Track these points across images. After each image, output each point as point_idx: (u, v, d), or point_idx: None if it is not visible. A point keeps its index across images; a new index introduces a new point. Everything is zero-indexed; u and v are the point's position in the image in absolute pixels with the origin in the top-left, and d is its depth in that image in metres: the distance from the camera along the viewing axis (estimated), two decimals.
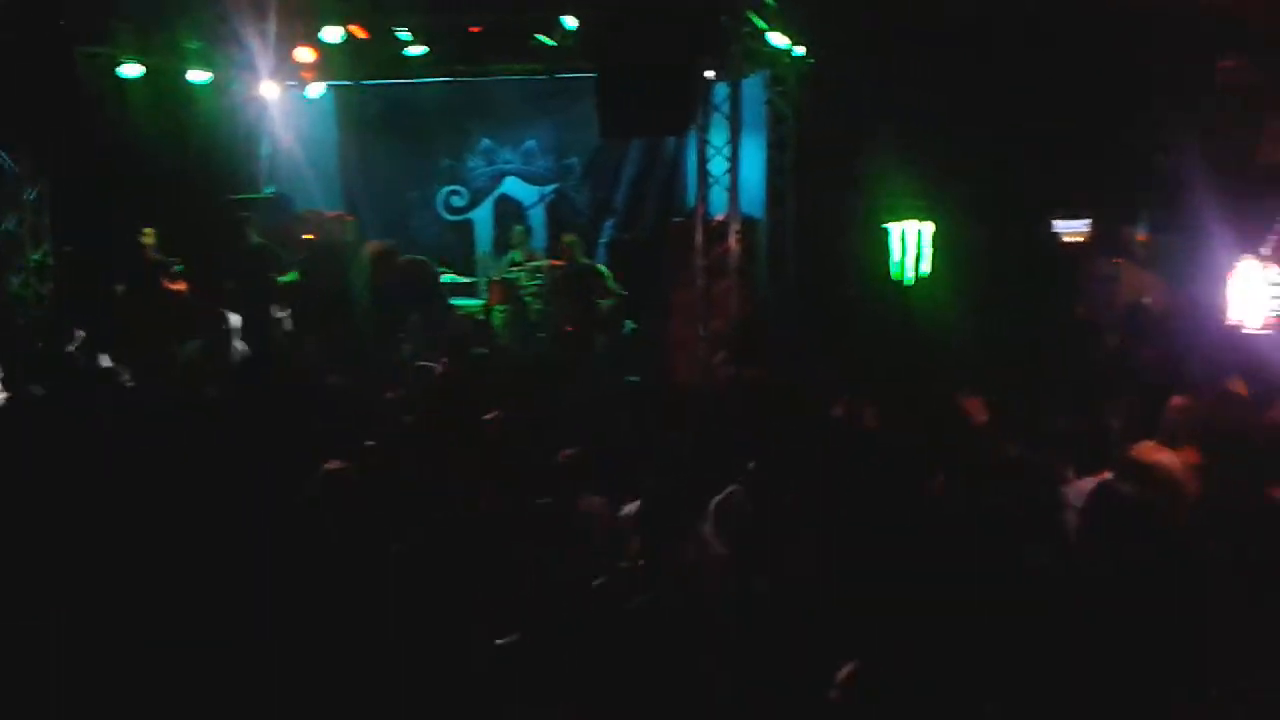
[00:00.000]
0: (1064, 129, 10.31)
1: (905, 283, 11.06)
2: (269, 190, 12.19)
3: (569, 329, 11.05)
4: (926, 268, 11.08)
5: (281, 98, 11.89)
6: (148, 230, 10.53)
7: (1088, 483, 4.81)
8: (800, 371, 8.10)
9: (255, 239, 10.86)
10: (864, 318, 10.66)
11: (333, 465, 4.28)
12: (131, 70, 10.38)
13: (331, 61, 11.28)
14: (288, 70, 11.31)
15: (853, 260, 11.50)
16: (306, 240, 11.71)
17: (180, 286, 10.21)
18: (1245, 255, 7.30)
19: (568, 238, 11.65)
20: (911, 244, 11.08)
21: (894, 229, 11.14)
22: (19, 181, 10.44)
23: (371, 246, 11.48)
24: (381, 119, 13.10)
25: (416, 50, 11.35)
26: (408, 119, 13.04)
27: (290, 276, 10.86)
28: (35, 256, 10.55)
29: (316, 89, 12.06)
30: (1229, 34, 8.16)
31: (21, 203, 10.48)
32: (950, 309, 10.43)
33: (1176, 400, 5.56)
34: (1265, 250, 7.15)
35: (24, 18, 9.02)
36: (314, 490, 4.28)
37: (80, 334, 8.36)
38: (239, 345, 9.26)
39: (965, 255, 11.04)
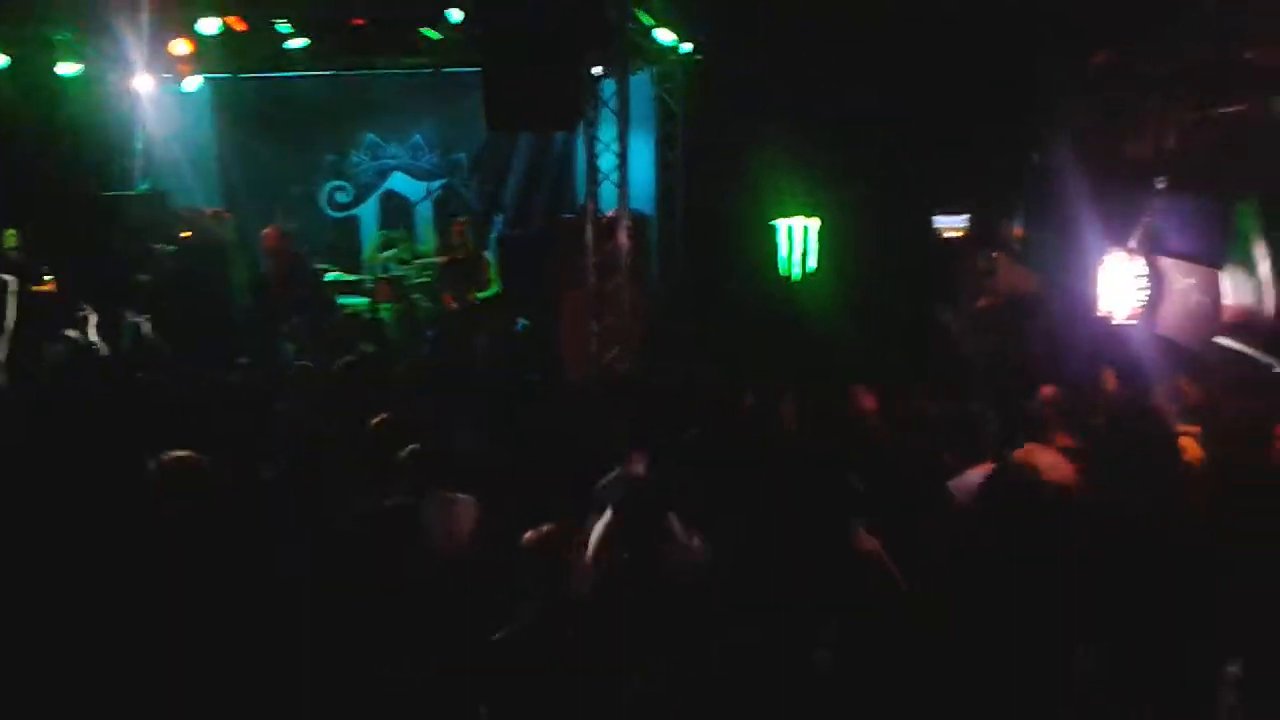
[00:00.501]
0: (945, 127, 10.58)
1: (793, 279, 11.25)
2: (143, 186, 11.76)
3: (454, 307, 10.93)
4: (813, 264, 11.28)
5: (156, 91, 11.49)
6: (10, 232, 10.06)
7: (973, 473, 4.98)
8: (693, 368, 8.16)
9: (119, 238, 10.49)
10: (753, 313, 10.78)
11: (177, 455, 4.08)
12: None
13: (208, 54, 10.96)
14: (162, 63, 10.94)
15: (742, 256, 11.63)
16: (183, 238, 11.34)
17: (48, 287, 9.79)
18: (1113, 248, 7.54)
19: (462, 219, 11.46)
20: (799, 240, 11.27)
21: (782, 226, 11.32)
22: None
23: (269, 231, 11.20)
24: (262, 113, 12.77)
25: (297, 43, 11.10)
26: (289, 113, 12.75)
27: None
28: None
29: (193, 82, 11.68)
30: (1098, 32, 8.44)
31: None
32: (835, 304, 10.65)
33: (1046, 390, 5.76)
34: (1132, 243, 7.40)
35: None
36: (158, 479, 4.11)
37: None
38: (101, 346, 8.91)
39: (850, 251, 11.28)
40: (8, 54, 10.01)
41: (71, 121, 10.95)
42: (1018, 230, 10.59)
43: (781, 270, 11.42)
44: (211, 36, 10.38)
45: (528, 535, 4.01)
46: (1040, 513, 3.98)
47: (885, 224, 11.25)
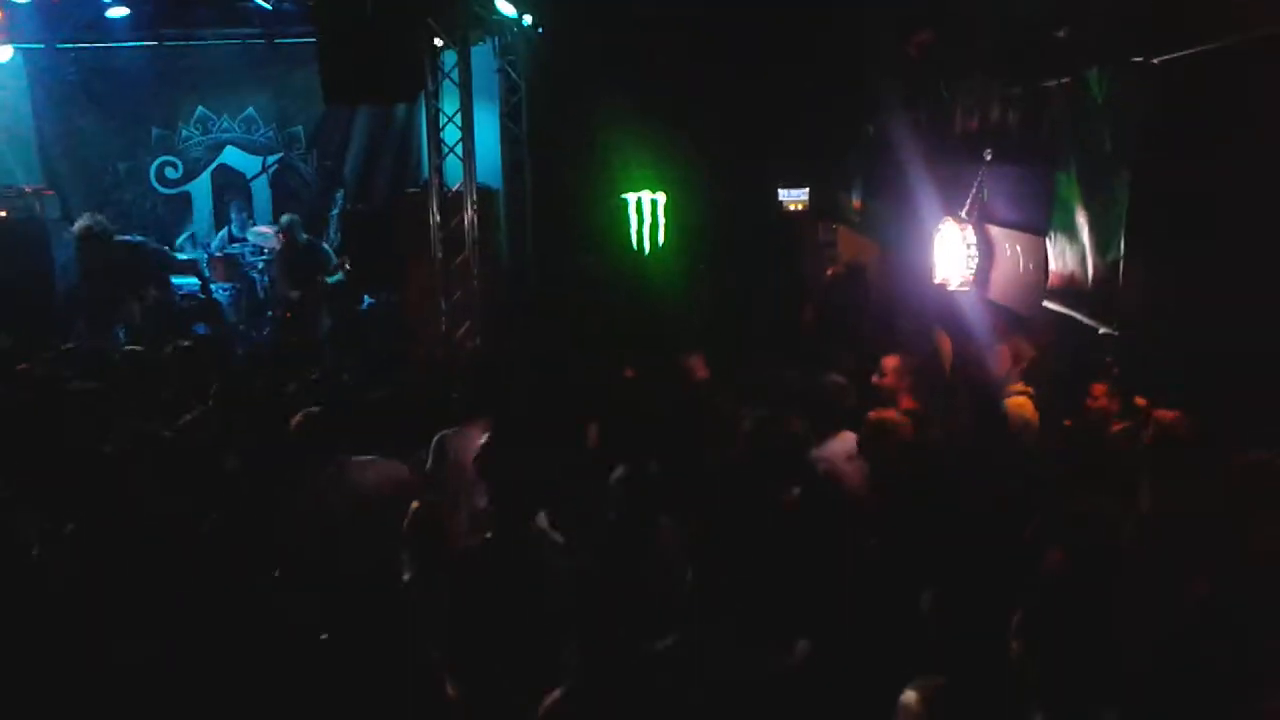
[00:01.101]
0: (786, 101, 10.77)
1: (642, 252, 11.33)
2: None
3: (289, 315, 10.60)
4: (662, 237, 11.38)
5: None
6: None
7: (835, 442, 5.16)
8: (541, 342, 8.14)
9: None
10: (601, 287, 10.80)
11: None
12: None
13: (20, 22, 10.33)
14: None
15: (592, 230, 11.64)
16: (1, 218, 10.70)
17: None
18: (946, 218, 7.81)
19: (284, 219, 11.09)
20: (648, 213, 11.34)
21: (631, 199, 11.37)
22: None
23: (80, 226, 10.55)
24: (83, 86, 12.12)
25: (118, 12, 10.57)
26: (113, 86, 12.13)
27: None
28: None
29: (4, 52, 10.99)
30: (922, 8, 8.72)
31: None
32: (683, 276, 10.77)
33: (889, 360, 5.97)
34: (963, 213, 7.67)
35: None
36: None
37: None
38: None
39: (697, 225, 11.42)
40: None
41: None
42: (856, 202, 10.87)
43: (632, 244, 11.49)
44: (23, 3, 9.79)
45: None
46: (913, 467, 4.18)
47: (730, 197, 11.42)
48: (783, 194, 11.95)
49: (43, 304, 10.32)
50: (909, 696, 2.73)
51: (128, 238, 11.12)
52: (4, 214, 10.73)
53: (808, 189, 11.94)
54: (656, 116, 11.04)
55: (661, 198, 11.50)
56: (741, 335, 8.23)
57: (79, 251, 10.40)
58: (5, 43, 10.78)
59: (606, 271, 11.18)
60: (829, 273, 10.41)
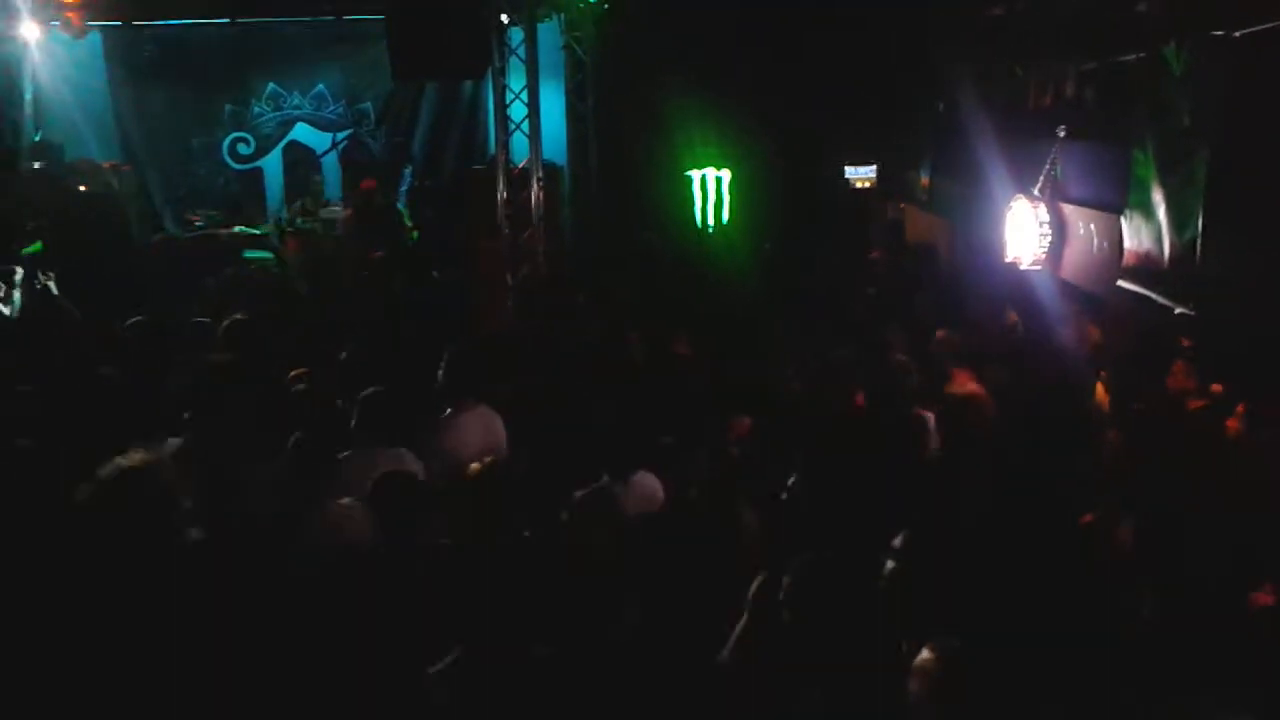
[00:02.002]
0: (854, 77, 10.66)
1: (706, 229, 11.30)
2: (36, 138, 11.30)
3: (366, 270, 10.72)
4: (726, 214, 11.34)
5: (45, 39, 11.01)
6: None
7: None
8: (608, 319, 8.16)
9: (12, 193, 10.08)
10: (668, 263, 10.80)
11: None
12: None
13: (99, 0, 10.54)
14: (50, 9, 10.49)
15: (656, 207, 11.63)
16: (79, 191, 10.95)
17: None
18: (1018, 196, 7.70)
19: (367, 182, 11.24)
20: (712, 191, 11.30)
21: (695, 176, 11.34)
22: None
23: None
24: (158, 63, 12.33)
25: None
26: (187, 63, 12.33)
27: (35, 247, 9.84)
28: None
29: (83, 30, 11.22)
30: None
31: None
32: (747, 254, 10.73)
33: (940, 334, 5.94)
34: (1036, 190, 7.56)
35: None
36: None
37: None
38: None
39: (761, 202, 11.35)
40: None
41: None
42: (924, 179, 10.76)
43: (696, 221, 11.46)
44: None
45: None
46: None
47: (796, 175, 11.35)
48: (849, 171, 11.85)
49: (120, 276, 10.56)
50: (926, 656, 2.69)
51: (200, 226, 11.40)
52: (83, 188, 10.98)
53: (875, 166, 11.82)
54: (722, 93, 10.99)
55: (726, 175, 11.45)
56: (803, 314, 8.18)
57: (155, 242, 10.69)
58: (84, 21, 11.00)
59: (669, 248, 11.17)
60: (874, 255, 10.35)
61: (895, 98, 10.77)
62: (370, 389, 4.86)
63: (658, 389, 5.85)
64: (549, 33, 11.06)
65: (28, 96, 11.49)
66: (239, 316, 6.18)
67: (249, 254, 11.57)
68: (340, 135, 12.96)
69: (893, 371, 5.82)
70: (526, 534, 4.00)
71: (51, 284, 8.68)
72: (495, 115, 10.06)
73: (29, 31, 10.73)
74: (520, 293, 9.87)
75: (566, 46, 11.71)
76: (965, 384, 5.06)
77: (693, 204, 11.59)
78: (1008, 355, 6.12)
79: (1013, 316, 7.08)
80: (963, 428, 4.74)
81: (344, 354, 6.25)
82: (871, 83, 10.65)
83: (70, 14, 10.61)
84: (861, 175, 11.82)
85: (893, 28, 10.12)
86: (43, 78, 11.47)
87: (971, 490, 4.20)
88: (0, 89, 11.29)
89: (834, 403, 5.47)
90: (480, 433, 5.27)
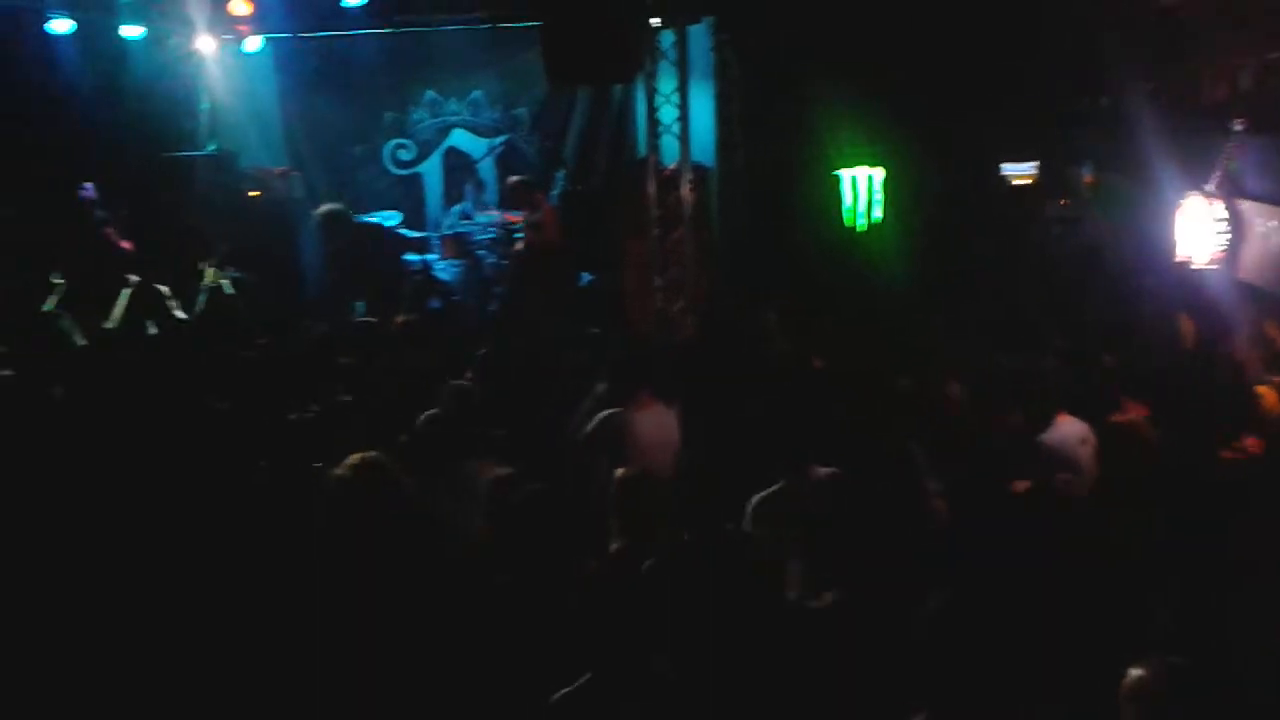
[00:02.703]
0: (1012, 71, 10.36)
1: (858, 229, 11.12)
2: (211, 147, 11.90)
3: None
4: (879, 214, 11.14)
5: (218, 52, 11.58)
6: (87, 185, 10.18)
7: (1066, 423, 4.98)
8: (757, 321, 8.14)
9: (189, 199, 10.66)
10: (817, 264, 10.69)
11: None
12: (61, 26, 10.08)
13: (267, 14, 11.03)
14: (223, 24, 11.03)
15: (805, 207, 11.51)
16: (252, 197, 11.49)
17: (128, 245, 9.93)
18: (1190, 192, 7.36)
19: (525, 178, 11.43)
20: (863, 190, 11.12)
21: (845, 175, 11.17)
22: None
23: (323, 211, 11.28)
24: (322, 72, 12.79)
25: (355, 1, 11.13)
26: (349, 72, 12.75)
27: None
28: None
29: (254, 42, 11.77)
30: None
31: None
32: (902, 254, 10.52)
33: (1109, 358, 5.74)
34: (1210, 186, 7.22)
35: None
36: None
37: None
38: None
39: (916, 200, 11.12)
40: (73, 18, 10.14)
41: (137, 84, 11.09)
42: (1088, 177, 10.39)
43: (846, 221, 11.29)
44: None
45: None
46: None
47: (952, 172, 11.06)
48: (1007, 168, 11.50)
49: (291, 279, 11.06)
50: (1140, 673, 2.61)
51: (365, 218, 11.79)
52: (257, 194, 11.52)
53: (1035, 163, 11.45)
54: (874, 90, 10.79)
55: (879, 173, 11.24)
56: (961, 316, 7.99)
57: (322, 232, 11.09)
58: (255, 34, 11.53)
59: (821, 249, 11.04)
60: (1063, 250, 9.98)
61: (1056, 90, 10.42)
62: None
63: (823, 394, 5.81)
64: (698, 35, 11.06)
65: (204, 107, 12.11)
66: (409, 316, 6.41)
67: (409, 257, 11.95)
68: (496, 140, 13.25)
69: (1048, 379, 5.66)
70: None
71: (227, 285, 9.09)
72: (645, 118, 10.13)
73: (205, 45, 11.30)
74: (702, 300, 9.92)
75: (716, 48, 11.69)
76: (1129, 410, 4.87)
77: (842, 203, 11.43)
78: (1180, 379, 5.85)
79: (1188, 323, 6.76)
80: (1122, 456, 4.57)
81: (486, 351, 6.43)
82: (1031, 75, 10.32)
83: (243, 28, 11.16)
84: (1021, 172, 11.45)
85: (1054, 17, 9.79)
86: (217, 89, 12.06)
87: (1127, 519, 4.06)
88: (179, 101, 11.89)
89: (995, 418, 5.33)
90: (655, 430, 5.34)
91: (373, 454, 3.58)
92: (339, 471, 3.49)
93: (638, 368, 5.76)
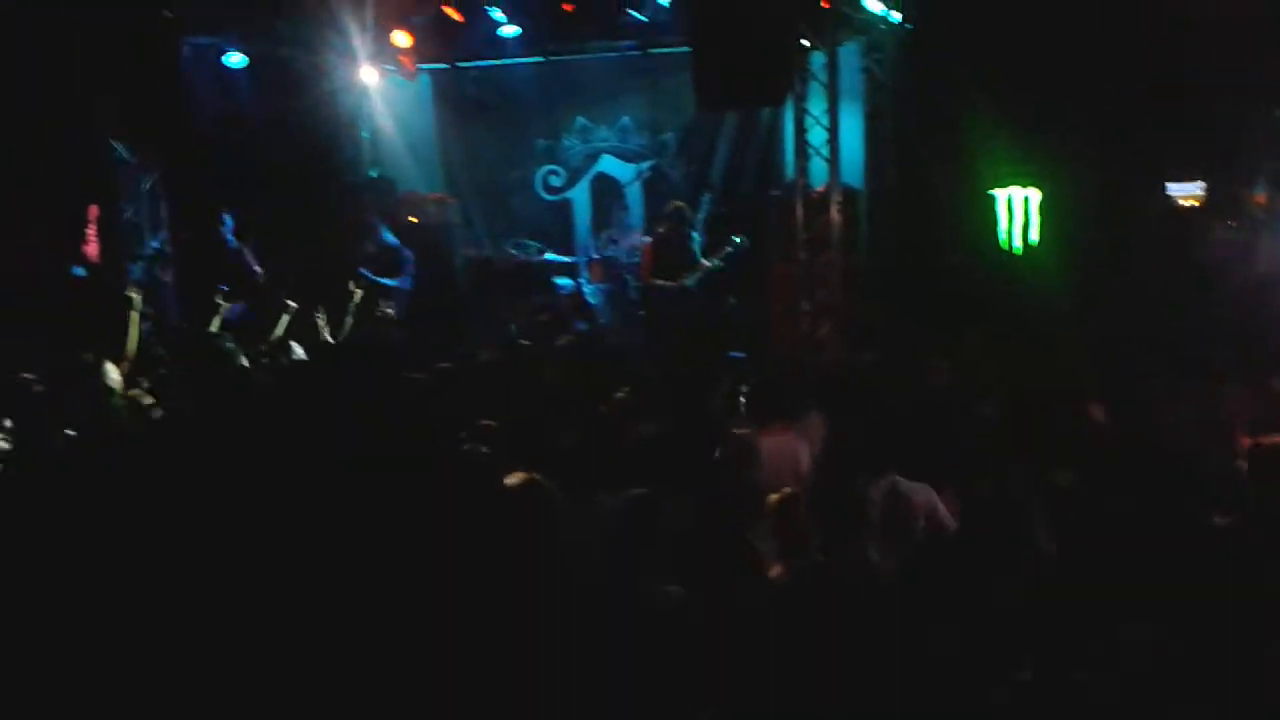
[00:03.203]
0: (1174, 87, 9.97)
1: (1014, 251, 10.83)
2: (373, 173, 12.38)
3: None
4: (1035, 235, 10.83)
5: (380, 82, 12.04)
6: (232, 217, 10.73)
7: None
8: (911, 349, 8.00)
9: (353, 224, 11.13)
10: (970, 287, 10.44)
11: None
12: (236, 59, 10.67)
13: (427, 45, 11.43)
14: (386, 54, 11.48)
15: (958, 229, 11.28)
16: (411, 223, 11.91)
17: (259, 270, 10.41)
18: None
19: (679, 203, 11.53)
20: (1019, 211, 10.83)
21: (1000, 196, 10.91)
22: (135, 171, 10.76)
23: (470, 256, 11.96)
24: (478, 100, 13.17)
25: (510, 31, 11.44)
26: (503, 100, 13.09)
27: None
28: (154, 244, 10.89)
29: (413, 73, 12.19)
30: None
31: (138, 192, 10.82)
32: (1061, 277, 10.20)
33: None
34: None
35: (130, 10, 9.27)
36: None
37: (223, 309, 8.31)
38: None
39: (1075, 222, 10.76)
40: (246, 51, 10.71)
41: (303, 113, 11.62)
42: (1259, 196, 9.92)
43: (1001, 243, 11.01)
44: (429, 27, 10.82)
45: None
46: None
47: (1112, 193, 10.67)
48: (1171, 188, 11.05)
49: (448, 304, 11.42)
50: None
51: (514, 253, 12.12)
52: (416, 220, 11.93)
53: (1201, 182, 10.97)
54: (1029, 108, 10.52)
55: (1035, 194, 10.94)
56: (1124, 344, 7.70)
57: (471, 270, 11.48)
58: (415, 64, 11.95)
59: (975, 272, 10.78)
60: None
61: (1224, 107, 9.98)
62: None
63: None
64: (848, 56, 10.99)
65: (365, 135, 12.60)
66: (568, 339, 6.54)
67: (560, 280, 12.18)
68: (643, 165, 13.39)
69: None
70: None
71: (391, 310, 9.36)
72: (794, 140, 10.10)
73: (368, 76, 11.77)
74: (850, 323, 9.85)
75: (866, 69, 11.59)
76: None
77: (997, 225, 11.16)
78: None
79: None
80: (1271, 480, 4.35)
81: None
82: (1195, 88, 9.90)
83: (403, 58, 11.59)
84: (1186, 192, 10.99)
85: (1221, 32, 9.39)
86: (378, 118, 12.55)
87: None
88: (343, 129, 12.41)
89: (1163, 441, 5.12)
90: (781, 452, 5.33)
91: (532, 475, 3.67)
92: (503, 490, 3.59)
93: (773, 391, 5.79)
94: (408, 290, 11.18)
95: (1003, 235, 10.92)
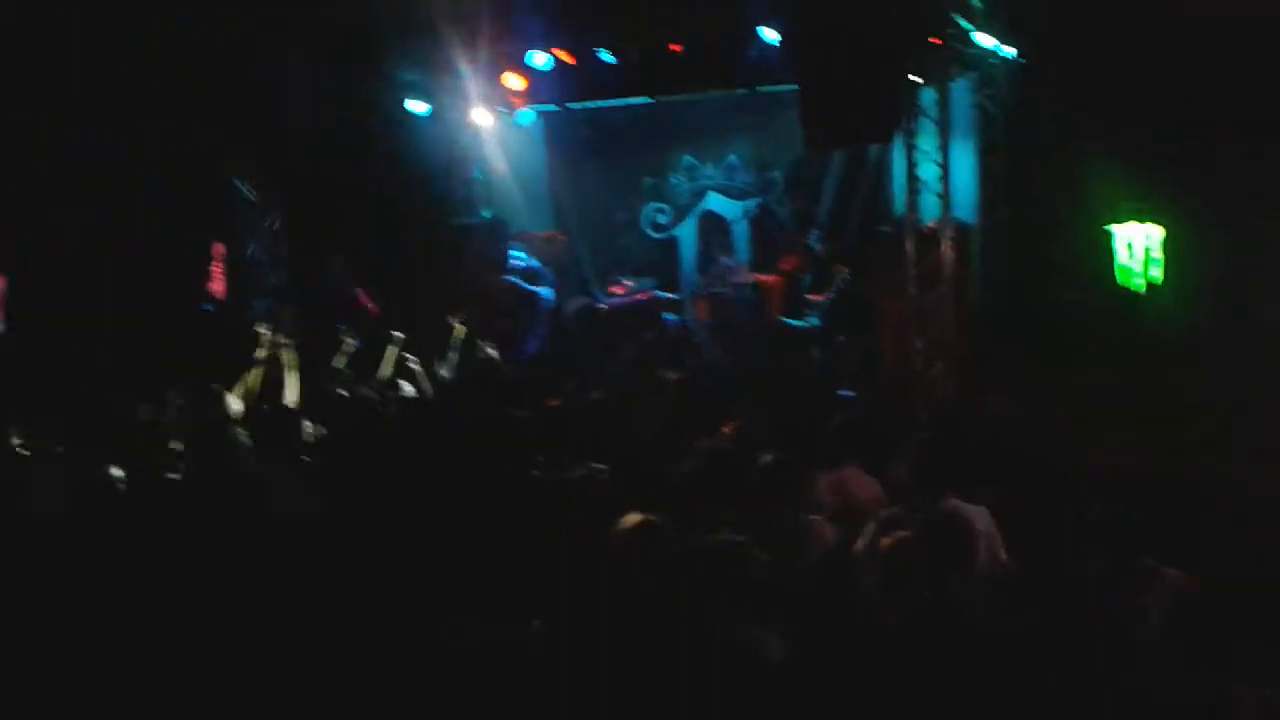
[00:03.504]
0: None
1: (1135, 290, 10.50)
2: (486, 214, 12.63)
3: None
4: (1157, 274, 10.50)
5: (494, 124, 12.28)
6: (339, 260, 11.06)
7: None
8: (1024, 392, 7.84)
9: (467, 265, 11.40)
10: (1087, 327, 10.17)
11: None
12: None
13: (539, 87, 11.63)
14: (498, 97, 11.72)
15: (1072, 266, 11.01)
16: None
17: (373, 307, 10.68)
18: None
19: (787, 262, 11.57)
20: (1139, 248, 10.52)
21: (1118, 233, 10.61)
22: (259, 210, 11.18)
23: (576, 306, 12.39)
24: (587, 140, 13.36)
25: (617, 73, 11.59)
26: (612, 139, 13.27)
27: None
28: (275, 281, 11.27)
29: (527, 115, 12.42)
30: None
31: (261, 230, 11.23)
32: (1186, 318, 9.85)
33: None
34: None
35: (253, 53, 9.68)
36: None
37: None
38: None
39: (1200, 259, 10.40)
40: (367, 98, 11.07)
41: (419, 154, 11.93)
42: None
43: (1120, 281, 10.69)
44: (542, 70, 11.03)
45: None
46: None
47: (1242, 229, 10.29)
48: None
49: (563, 338, 11.62)
50: None
51: (619, 301, 12.24)
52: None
53: None
54: (1149, 142, 10.23)
55: (1157, 230, 10.60)
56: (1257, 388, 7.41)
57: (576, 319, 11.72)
58: (528, 106, 12.18)
59: (1092, 311, 10.50)
60: None
61: None
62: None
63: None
64: (960, 91, 10.89)
65: (477, 176, 12.87)
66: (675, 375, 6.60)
67: (667, 317, 12.25)
68: (750, 203, 13.42)
69: None
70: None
71: (492, 350, 9.50)
72: (906, 176, 10.02)
73: (481, 118, 12.03)
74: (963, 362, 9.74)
75: (978, 104, 11.45)
76: None
77: (1113, 262, 10.85)
78: None
79: None
80: None
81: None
82: None
83: (517, 100, 11.82)
84: None
85: None
86: (490, 158, 12.80)
87: None
88: (457, 171, 12.68)
89: None
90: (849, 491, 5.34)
91: (647, 516, 3.71)
92: (618, 531, 3.63)
93: (852, 434, 5.79)
94: (550, 301, 11.48)
95: (1120, 272, 10.62)
